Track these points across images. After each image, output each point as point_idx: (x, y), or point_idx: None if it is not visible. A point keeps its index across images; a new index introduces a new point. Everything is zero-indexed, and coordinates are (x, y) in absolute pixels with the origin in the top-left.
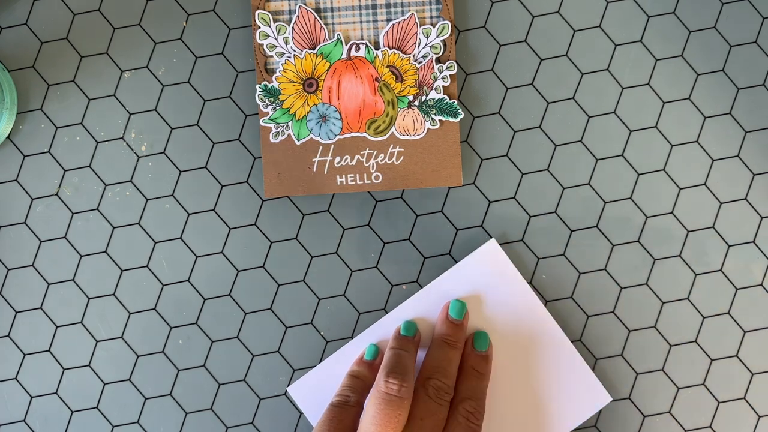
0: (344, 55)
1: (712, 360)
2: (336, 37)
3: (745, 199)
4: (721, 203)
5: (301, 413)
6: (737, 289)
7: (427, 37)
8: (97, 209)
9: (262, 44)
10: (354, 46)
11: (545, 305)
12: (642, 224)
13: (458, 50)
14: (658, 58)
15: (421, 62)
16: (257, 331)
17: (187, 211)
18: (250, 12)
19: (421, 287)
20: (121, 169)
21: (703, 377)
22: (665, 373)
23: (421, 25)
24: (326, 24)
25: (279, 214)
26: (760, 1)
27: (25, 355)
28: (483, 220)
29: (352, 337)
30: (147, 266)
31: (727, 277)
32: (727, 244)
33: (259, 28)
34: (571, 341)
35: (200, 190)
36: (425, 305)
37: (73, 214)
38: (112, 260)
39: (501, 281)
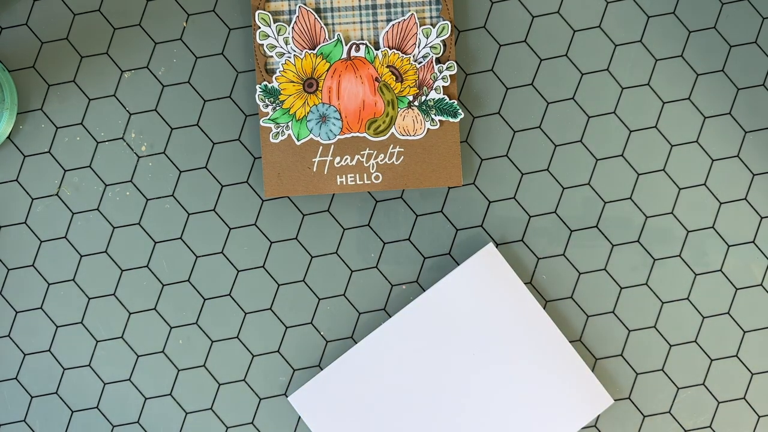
0: (344, 56)
1: (712, 360)
2: (336, 38)
3: (745, 199)
4: (721, 203)
5: (299, 417)
6: (737, 289)
7: (427, 38)
8: (97, 209)
9: (262, 44)
10: (354, 46)
11: (545, 305)
12: (642, 224)
13: (458, 50)
14: (658, 58)
15: (421, 62)
16: (257, 331)
17: (187, 211)
18: (250, 12)
19: (422, 287)
20: (121, 169)
21: (703, 377)
22: (665, 373)
23: (421, 26)
24: (326, 24)
25: (279, 214)
26: (760, 1)
27: (25, 355)
28: (483, 220)
29: (352, 337)
30: (147, 266)
31: (727, 277)
32: (727, 244)
33: (259, 28)
34: (571, 341)
35: (200, 190)
36: (425, 310)
37: (73, 214)
38: (112, 260)
39: (499, 285)
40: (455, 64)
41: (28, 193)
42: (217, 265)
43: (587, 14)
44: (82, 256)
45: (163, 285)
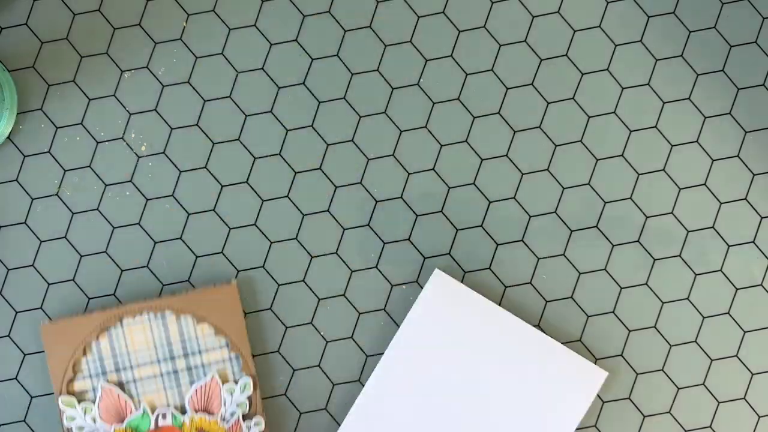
0: (152, 426)
1: (712, 360)
2: (142, 409)
3: (745, 199)
4: (721, 203)
5: (301, 413)
6: (737, 289)
7: (232, 395)
8: (97, 209)
9: (71, 427)
10: (160, 415)
11: (545, 305)
12: (642, 224)
13: (458, 49)
14: (658, 58)
15: (229, 420)
16: (257, 332)
17: (187, 211)
18: (249, 11)
19: (421, 287)
20: (121, 169)
21: (703, 377)
22: (665, 373)
23: (224, 383)
24: (131, 396)
25: (279, 215)
26: (760, 1)
27: (25, 355)
28: (483, 220)
29: (352, 337)
30: (147, 266)
31: (727, 277)
32: (727, 244)
33: (65, 412)
34: (571, 341)
35: (200, 190)
36: (404, 351)
37: (73, 214)
38: (113, 260)
39: (461, 307)
40: (262, 420)
41: (28, 193)
42: (218, 264)
43: (587, 14)
44: (82, 255)
45: (163, 285)
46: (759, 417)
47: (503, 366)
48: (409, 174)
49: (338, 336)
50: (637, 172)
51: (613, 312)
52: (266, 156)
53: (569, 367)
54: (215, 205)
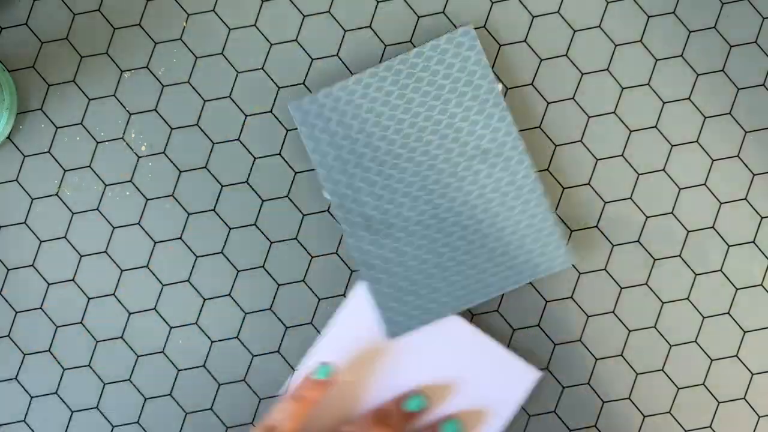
0: None
1: (712, 360)
2: None
3: (745, 199)
4: (721, 203)
5: None
6: (737, 289)
7: None
8: (97, 209)
9: None
10: None
11: (545, 305)
12: (642, 224)
13: None
14: (658, 58)
15: None
16: (257, 331)
17: (187, 211)
18: (249, 11)
19: None
20: (121, 169)
21: (703, 377)
22: (665, 373)
23: None
24: None
25: (279, 215)
26: (760, 1)
27: (25, 355)
28: None
29: None
30: (147, 266)
31: (727, 277)
32: (727, 244)
33: None
34: (571, 341)
35: (200, 190)
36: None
37: (73, 214)
38: (112, 260)
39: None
40: None
41: (28, 193)
42: (218, 265)
43: (587, 14)
44: (82, 256)
45: (163, 285)
46: (759, 417)
47: (438, 359)
48: None
49: None
50: (637, 172)
51: (613, 312)
52: (266, 156)
53: (500, 368)
54: (215, 205)
